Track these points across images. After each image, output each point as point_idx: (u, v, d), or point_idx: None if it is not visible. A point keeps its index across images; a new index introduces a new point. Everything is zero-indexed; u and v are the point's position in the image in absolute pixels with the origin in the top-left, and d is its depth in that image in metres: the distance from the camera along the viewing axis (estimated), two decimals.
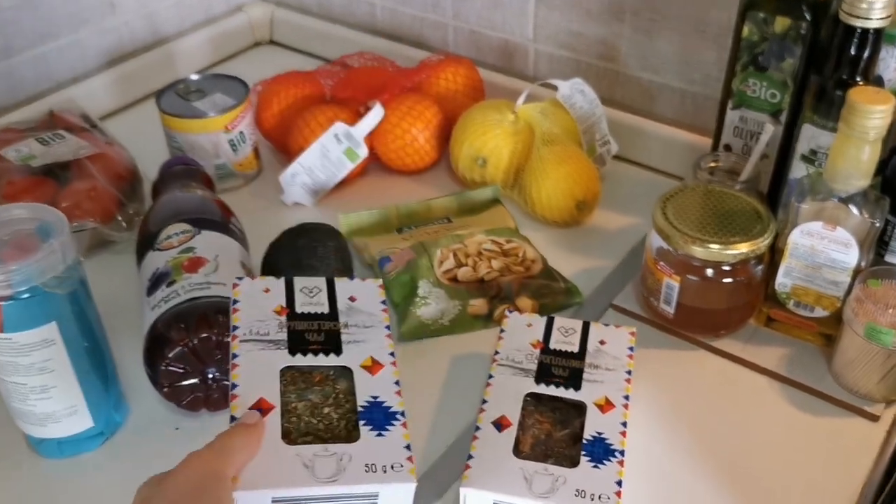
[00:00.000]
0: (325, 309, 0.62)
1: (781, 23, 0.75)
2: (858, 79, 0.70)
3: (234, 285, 0.63)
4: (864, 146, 0.66)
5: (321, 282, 0.64)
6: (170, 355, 0.66)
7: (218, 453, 0.50)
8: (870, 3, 0.66)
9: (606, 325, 0.72)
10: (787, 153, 0.80)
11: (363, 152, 0.94)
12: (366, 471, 0.52)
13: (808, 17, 0.73)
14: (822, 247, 0.70)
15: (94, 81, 1.10)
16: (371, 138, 0.96)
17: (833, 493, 0.64)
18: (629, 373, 0.68)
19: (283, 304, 0.62)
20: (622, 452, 0.61)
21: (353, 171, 0.95)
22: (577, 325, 0.72)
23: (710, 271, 0.73)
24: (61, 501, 0.65)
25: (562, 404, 0.66)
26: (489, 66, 1.10)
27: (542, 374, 0.67)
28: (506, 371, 0.68)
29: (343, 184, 0.96)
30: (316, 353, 0.59)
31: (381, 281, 0.66)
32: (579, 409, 0.65)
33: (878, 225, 0.68)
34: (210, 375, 0.68)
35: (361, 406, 0.57)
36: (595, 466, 0.60)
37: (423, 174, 1.00)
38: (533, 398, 0.66)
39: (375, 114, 0.94)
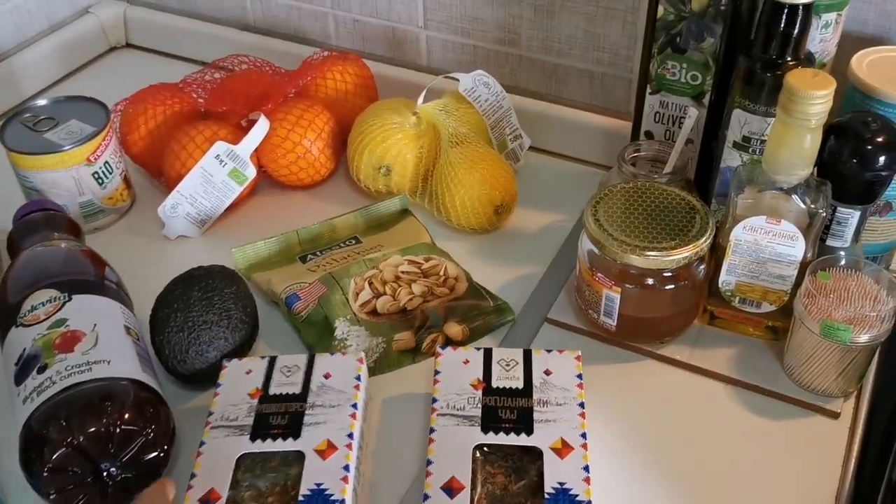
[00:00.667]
0: (298, 389, 0.62)
1: (699, 0, 0.69)
2: (789, 58, 0.65)
3: (223, 367, 0.64)
4: (806, 134, 0.61)
5: (302, 360, 0.64)
6: (52, 459, 0.56)
7: None
8: None
9: (549, 350, 0.66)
10: (712, 138, 0.75)
11: (251, 172, 0.84)
12: None
13: None
14: (767, 241, 0.66)
15: None
16: (258, 154, 0.86)
17: (809, 496, 0.60)
18: (582, 405, 0.62)
19: (260, 385, 0.62)
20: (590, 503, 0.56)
21: (241, 194, 0.85)
22: (518, 354, 0.65)
23: (650, 280, 0.67)
24: None
25: (514, 450, 0.60)
26: (378, 58, 1.00)
27: (489, 421, 0.60)
28: (448, 422, 0.61)
29: (232, 208, 0.86)
30: (275, 437, 0.59)
31: (361, 355, 0.65)
32: (534, 453, 0.59)
33: (823, 214, 0.64)
34: (104, 472, 0.58)
35: (303, 495, 0.55)
36: None
37: (321, 187, 0.90)
38: (482, 449, 0.60)
39: (260, 127, 0.84)
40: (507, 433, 0.60)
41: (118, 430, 0.57)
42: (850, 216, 0.67)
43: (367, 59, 0.96)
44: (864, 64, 0.69)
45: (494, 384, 0.63)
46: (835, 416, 0.66)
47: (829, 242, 0.69)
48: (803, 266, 0.66)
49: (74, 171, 0.81)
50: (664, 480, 0.62)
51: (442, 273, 0.76)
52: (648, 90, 0.76)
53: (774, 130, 0.62)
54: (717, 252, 0.69)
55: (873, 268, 0.65)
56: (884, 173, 0.65)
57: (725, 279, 0.69)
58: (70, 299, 0.64)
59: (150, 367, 0.64)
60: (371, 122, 0.85)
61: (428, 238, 0.81)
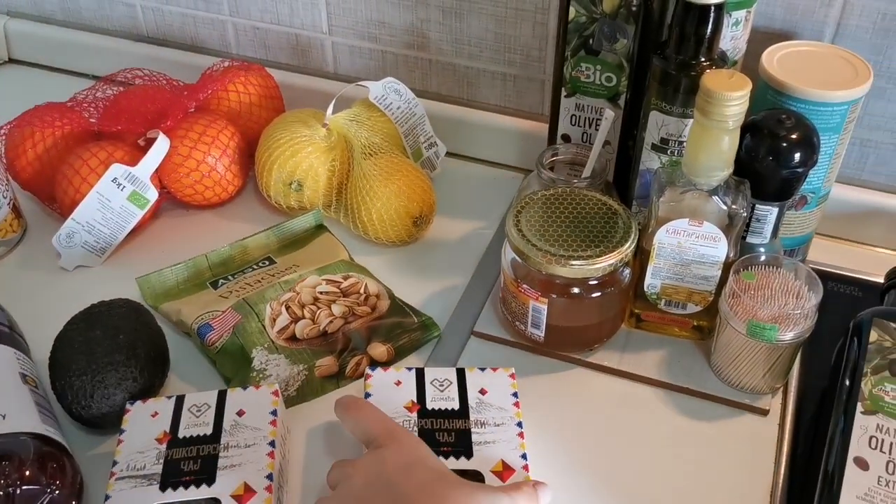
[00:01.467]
0: (209, 430, 0.58)
1: (610, 1, 0.68)
2: (703, 58, 0.64)
3: (126, 410, 0.60)
4: (724, 136, 0.60)
5: (212, 397, 0.60)
6: None
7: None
8: None
9: (482, 369, 0.64)
10: (629, 138, 0.74)
11: (152, 195, 0.79)
12: None
13: None
14: (690, 243, 0.65)
15: None
16: (159, 175, 0.81)
17: (745, 494, 0.60)
18: (520, 425, 0.60)
19: (168, 428, 0.58)
20: None
21: (143, 217, 0.80)
22: (452, 374, 0.63)
23: (576, 289, 0.66)
24: None
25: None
26: (282, 66, 0.96)
27: (428, 444, 0.57)
28: None
29: (134, 233, 0.81)
30: (188, 485, 0.55)
31: (276, 387, 0.62)
32: (474, 478, 0.57)
33: (743, 214, 0.64)
34: None
35: None
36: None
37: (229, 206, 0.86)
38: None
39: (159, 146, 0.79)
40: (446, 457, 0.57)
41: (18, 490, 0.52)
42: (769, 213, 0.68)
43: (271, 67, 0.92)
44: (774, 60, 0.69)
45: (429, 405, 0.61)
46: (764, 413, 0.66)
47: (749, 239, 0.69)
48: (726, 266, 0.66)
49: None
50: (602, 488, 0.61)
51: (362, 291, 0.73)
52: (564, 93, 0.75)
53: (692, 133, 0.62)
54: (641, 256, 0.68)
55: (793, 263, 0.66)
56: (800, 170, 0.65)
57: (651, 283, 0.68)
58: None
59: (51, 417, 0.59)
60: (279, 136, 0.81)
61: (345, 254, 0.78)
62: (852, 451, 0.54)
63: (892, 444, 0.54)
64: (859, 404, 0.57)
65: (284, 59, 0.97)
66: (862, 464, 0.53)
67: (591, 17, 0.69)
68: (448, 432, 0.59)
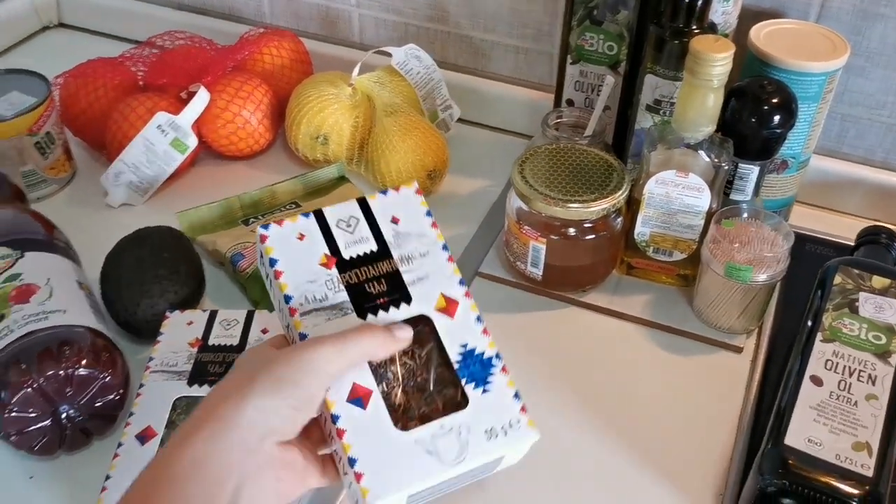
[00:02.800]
0: (236, 341, 0.58)
1: None
2: (694, 27, 0.72)
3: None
4: (710, 93, 0.67)
5: (241, 314, 0.58)
6: (12, 401, 0.58)
7: (336, 354, 0.48)
8: None
9: (384, 192, 0.56)
10: (628, 104, 0.81)
11: (192, 142, 0.87)
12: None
13: None
14: (677, 194, 0.72)
15: None
16: (198, 125, 0.88)
17: (714, 426, 0.67)
18: (446, 248, 0.55)
19: (200, 336, 0.59)
20: (498, 356, 0.53)
21: (182, 164, 0.88)
22: (354, 209, 0.55)
23: (572, 230, 0.73)
24: None
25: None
26: (311, 36, 1.04)
27: (361, 301, 0.52)
28: (311, 320, 0.51)
29: (173, 178, 0.88)
30: (211, 383, 0.54)
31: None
32: (423, 325, 0.53)
33: (726, 168, 0.71)
34: (63, 414, 0.61)
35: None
36: (484, 391, 0.51)
37: (260, 158, 0.94)
38: None
39: (200, 99, 0.87)
40: (387, 309, 0.52)
41: (76, 373, 0.60)
42: (751, 171, 0.75)
43: (302, 36, 1.00)
44: (761, 35, 0.76)
45: (346, 254, 0.53)
46: (738, 350, 0.73)
47: (733, 196, 0.77)
48: (709, 216, 0.73)
49: (16, 141, 0.83)
50: (586, 409, 0.68)
51: None
52: (569, 60, 0.82)
53: (682, 91, 0.69)
54: (632, 207, 0.75)
55: (769, 216, 0.73)
56: (779, 131, 0.72)
57: (641, 230, 0.76)
58: (22, 256, 0.67)
59: (103, 319, 0.67)
60: (308, 94, 0.89)
61: None
62: (809, 371, 0.61)
63: (845, 367, 0.61)
64: (819, 334, 0.64)
65: (314, 29, 1.04)
66: (817, 381, 0.60)
67: None
68: (377, 280, 0.52)
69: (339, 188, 0.88)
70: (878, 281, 0.67)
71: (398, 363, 0.52)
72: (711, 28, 0.73)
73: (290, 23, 1.05)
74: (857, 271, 0.68)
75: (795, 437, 0.57)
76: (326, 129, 0.88)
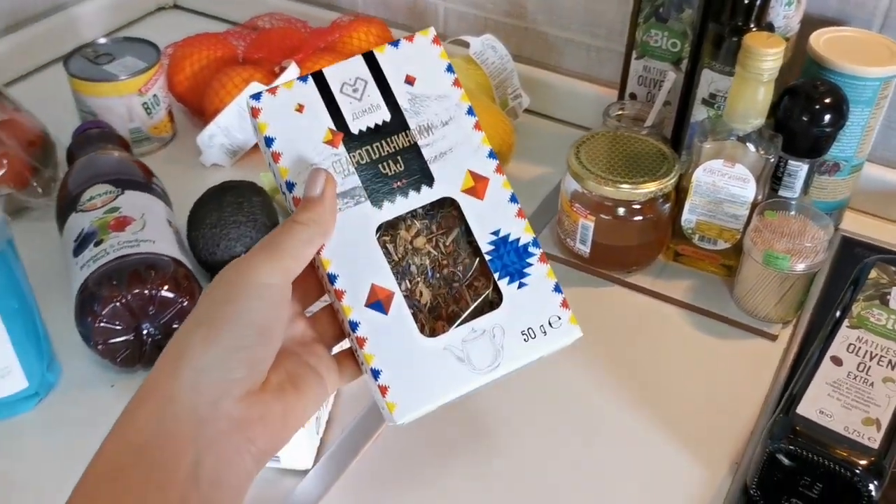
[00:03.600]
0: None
1: None
2: (752, 25, 0.75)
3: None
4: (759, 87, 0.71)
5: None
6: (103, 312, 0.67)
7: (272, 255, 0.42)
8: None
9: (395, 44, 0.48)
10: (688, 99, 0.85)
11: None
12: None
13: None
14: (723, 183, 0.76)
15: None
16: None
17: (739, 404, 0.70)
18: (471, 113, 0.47)
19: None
20: (536, 243, 0.47)
21: None
22: (360, 67, 0.46)
23: (621, 210, 0.78)
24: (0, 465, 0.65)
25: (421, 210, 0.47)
26: (400, 26, 1.11)
27: (376, 187, 0.45)
28: None
29: None
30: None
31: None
32: (448, 209, 0.47)
33: (772, 160, 0.74)
34: (145, 331, 0.68)
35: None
36: (520, 285, 0.45)
37: None
38: (386, 227, 0.46)
39: (290, 73, 0.95)
40: (405, 194, 0.45)
41: (158, 294, 0.68)
42: (800, 168, 0.78)
43: (390, 26, 1.07)
44: (820, 40, 0.79)
45: (353, 128, 0.45)
46: (773, 338, 0.76)
47: (782, 192, 0.80)
48: (754, 207, 0.76)
49: (127, 100, 0.93)
50: (618, 378, 0.72)
51: None
52: (634, 56, 0.87)
53: (734, 84, 0.73)
54: (681, 195, 0.79)
55: (815, 213, 0.75)
56: (828, 130, 0.75)
57: (687, 217, 0.79)
58: (123, 193, 0.75)
59: (186, 255, 0.75)
60: None
61: None
62: (831, 351, 0.64)
63: (868, 352, 0.64)
64: (846, 321, 0.66)
65: (402, 20, 1.12)
66: (837, 361, 0.63)
67: None
68: (393, 158, 0.45)
69: None
70: None
71: (421, 253, 0.45)
72: (769, 28, 0.77)
73: (380, 12, 1.13)
74: (893, 268, 0.71)
75: (807, 407, 0.60)
76: None
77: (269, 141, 0.45)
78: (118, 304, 0.66)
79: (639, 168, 0.77)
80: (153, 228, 0.73)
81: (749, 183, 0.75)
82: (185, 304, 0.69)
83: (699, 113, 0.81)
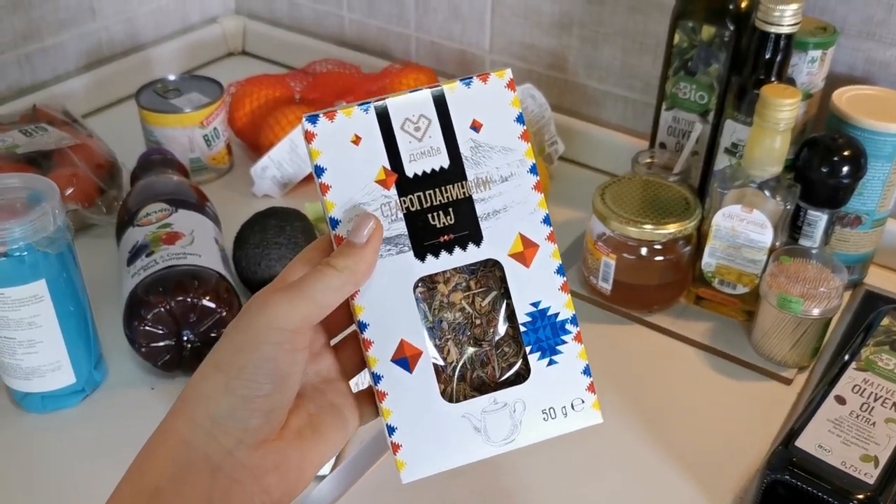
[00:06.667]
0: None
1: (707, 31, 0.84)
2: (773, 79, 0.79)
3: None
4: (776, 136, 0.74)
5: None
6: (148, 316, 0.72)
7: (298, 302, 0.40)
8: (781, 11, 0.75)
9: (467, 81, 0.44)
10: (713, 149, 0.88)
11: None
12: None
13: (730, 26, 0.82)
14: (742, 228, 0.78)
15: (75, 82, 1.16)
16: None
17: (749, 443, 0.72)
18: (534, 171, 0.44)
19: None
20: (574, 321, 0.45)
21: None
22: (427, 104, 0.44)
23: (643, 250, 0.81)
24: (43, 454, 0.70)
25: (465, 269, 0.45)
26: (448, 75, 1.18)
27: (421, 237, 0.43)
28: None
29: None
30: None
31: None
32: (492, 270, 0.45)
33: (789, 208, 0.77)
34: (185, 337, 0.74)
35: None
36: (550, 362, 0.44)
37: None
38: (424, 278, 0.44)
39: None
40: (450, 250, 0.43)
41: (200, 303, 0.73)
42: (819, 218, 0.80)
43: (439, 75, 1.14)
44: (843, 97, 0.82)
45: (409, 171, 0.43)
46: (788, 382, 0.77)
47: (801, 242, 0.82)
48: (772, 253, 0.78)
49: (189, 132, 1.00)
50: (631, 411, 0.74)
51: None
52: (664, 107, 0.91)
53: (752, 133, 0.76)
54: (702, 240, 0.82)
55: (830, 259, 0.77)
56: (846, 181, 0.77)
57: (708, 261, 0.82)
58: (176, 211, 0.82)
59: (230, 270, 0.80)
60: None
61: None
62: (835, 391, 0.65)
63: (873, 394, 0.65)
64: (854, 363, 0.68)
65: (451, 70, 1.18)
66: (840, 400, 0.65)
67: (692, 44, 0.85)
68: (444, 210, 0.43)
69: None
70: None
71: (455, 308, 0.44)
72: (789, 82, 0.80)
73: (431, 63, 1.20)
74: None
75: (807, 441, 0.61)
76: None
77: (319, 171, 0.43)
78: (162, 309, 0.72)
79: (662, 212, 0.81)
80: (201, 244, 0.79)
81: (767, 229, 0.77)
82: (225, 314, 0.74)
83: (722, 161, 0.85)
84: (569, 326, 0.44)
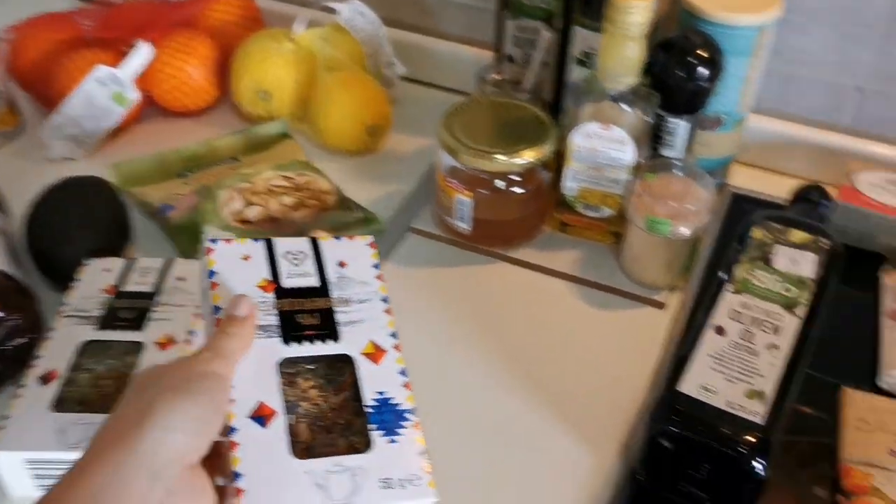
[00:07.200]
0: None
1: None
2: None
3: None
4: (629, 42, 0.67)
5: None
6: None
7: (216, 355, 0.47)
8: None
9: (338, 237, 0.57)
10: (564, 60, 0.80)
11: (133, 95, 0.87)
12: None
13: None
14: (601, 146, 0.72)
15: None
16: (144, 81, 0.89)
17: (628, 380, 0.67)
18: (385, 300, 0.55)
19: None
20: (412, 412, 0.52)
21: (127, 118, 0.88)
22: (306, 245, 0.56)
23: (499, 183, 0.73)
24: None
25: (322, 359, 0.53)
26: None
27: (289, 329, 0.52)
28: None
29: (118, 132, 0.89)
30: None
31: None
32: (343, 360, 0.53)
33: (649, 120, 0.70)
34: None
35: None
36: (391, 441, 0.50)
37: (206, 115, 0.94)
38: (288, 370, 0.52)
39: (140, 52, 0.87)
40: (312, 341, 0.52)
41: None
42: (679, 126, 0.74)
43: None
44: None
45: (286, 283, 0.54)
46: (661, 306, 0.73)
47: (664, 152, 0.76)
48: (636, 171, 0.72)
49: None
50: (504, 362, 0.68)
51: (313, 187, 0.81)
52: (508, 16, 0.81)
53: (603, 41, 0.68)
54: (561, 163, 0.75)
55: (697, 172, 0.72)
56: (704, 83, 0.71)
57: (569, 185, 0.75)
58: None
59: (19, 264, 0.68)
60: (251, 48, 0.89)
61: (303, 157, 0.85)
62: (714, 321, 0.61)
63: (752, 317, 0.61)
64: (730, 285, 0.63)
65: None
66: (720, 331, 0.60)
67: None
68: (310, 313, 0.53)
69: (279, 145, 0.88)
70: (798, 234, 0.67)
71: (311, 401, 0.51)
72: None
73: None
74: (777, 225, 0.68)
75: (690, 383, 0.56)
76: (268, 85, 0.88)
77: (211, 273, 0.52)
78: None
79: (515, 137, 0.73)
80: None
81: (627, 145, 0.71)
82: (17, 321, 0.62)
83: (575, 74, 0.77)
84: (409, 416, 0.51)
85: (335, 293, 0.54)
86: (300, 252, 0.55)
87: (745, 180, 0.86)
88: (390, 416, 0.50)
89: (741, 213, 0.80)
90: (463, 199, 0.74)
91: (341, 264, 0.55)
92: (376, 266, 0.56)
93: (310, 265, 0.54)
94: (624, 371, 0.68)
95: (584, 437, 0.63)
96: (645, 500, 0.58)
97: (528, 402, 0.65)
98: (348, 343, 0.52)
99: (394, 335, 0.54)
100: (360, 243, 0.57)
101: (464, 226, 0.76)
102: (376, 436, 0.49)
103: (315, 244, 0.56)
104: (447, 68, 0.97)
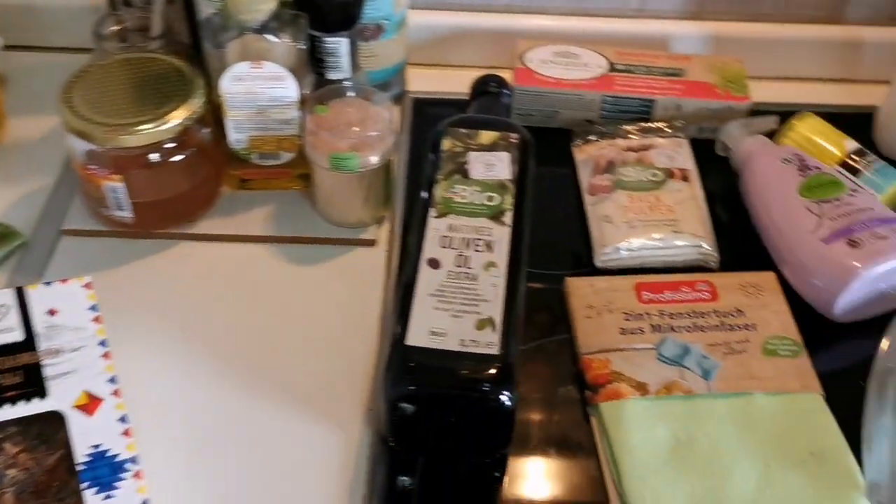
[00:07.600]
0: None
1: None
2: None
3: None
4: None
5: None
6: None
7: None
8: None
9: (48, 283, 0.54)
10: None
11: None
12: None
13: None
14: (258, 88, 0.63)
15: None
16: None
17: (354, 335, 0.61)
18: (103, 343, 0.53)
19: None
20: (134, 460, 0.50)
21: None
22: (9, 296, 0.53)
23: (153, 156, 0.62)
24: None
25: (33, 420, 0.50)
26: None
27: None
28: None
29: None
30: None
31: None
32: (54, 420, 0.50)
33: (302, 46, 0.62)
34: None
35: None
36: (107, 497, 0.48)
37: None
38: None
39: None
40: (14, 403, 0.50)
41: None
42: (339, 45, 0.66)
43: None
44: None
45: None
46: (371, 243, 0.67)
47: (330, 76, 0.68)
48: (304, 104, 0.64)
49: None
50: (215, 355, 0.59)
51: None
52: None
53: None
54: (220, 113, 0.65)
55: (369, 91, 0.65)
56: None
57: (236, 137, 0.66)
58: None
59: None
60: None
61: None
62: (425, 254, 0.55)
63: (462, 239, 0.56)
64: (432, 209, 0.58)
65: None
66: (434, 263, 0.55)
67: None
68: (13, 372, 0.51)
69: None
70: (486, 136, 0.63)
71: (20, 468, 0.48)
72: None
73: None
74: (464, 130, 0.63)
75: (417, 333, 0.51)
76: None
77: None
78: None
79: (159, 96, 0.61)
80: None
81: (286, 80, 0.62)
82: None
83: (207, 8, 0.66)
84: (128, 466, 0.49)
85: (43, 345, 0.52)
86: (2, 306, 0.52)
87: (424, 84, 0.81)
88: (105, 471, 0.49)
89: (428, 118, 0.76)
90: (113, 186, 0.62)
91: (51, 312, 0.53)
92: (93, 308, 0.54)
93: (13, 318, 0.52)
94: (351, 327, 0.61)
95: (325, 414, 0.56)
96: (405, 463, 0.54)
97: (257, 392, 0.57)
98: (57, 398, 0.50)
99: (112, 380, 0.52)
100: (74, 286, 0.54)
101: (125, 214, 0.64)
102: (88, 494, 0.48)
103: (20, 294, 0.53)
104: (55, 25, 0.81)
